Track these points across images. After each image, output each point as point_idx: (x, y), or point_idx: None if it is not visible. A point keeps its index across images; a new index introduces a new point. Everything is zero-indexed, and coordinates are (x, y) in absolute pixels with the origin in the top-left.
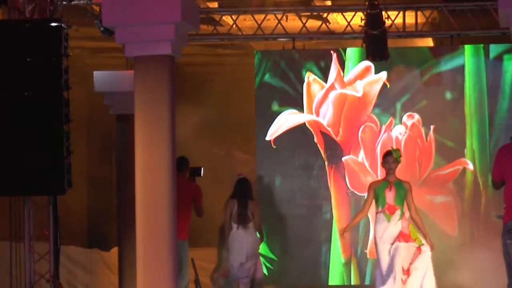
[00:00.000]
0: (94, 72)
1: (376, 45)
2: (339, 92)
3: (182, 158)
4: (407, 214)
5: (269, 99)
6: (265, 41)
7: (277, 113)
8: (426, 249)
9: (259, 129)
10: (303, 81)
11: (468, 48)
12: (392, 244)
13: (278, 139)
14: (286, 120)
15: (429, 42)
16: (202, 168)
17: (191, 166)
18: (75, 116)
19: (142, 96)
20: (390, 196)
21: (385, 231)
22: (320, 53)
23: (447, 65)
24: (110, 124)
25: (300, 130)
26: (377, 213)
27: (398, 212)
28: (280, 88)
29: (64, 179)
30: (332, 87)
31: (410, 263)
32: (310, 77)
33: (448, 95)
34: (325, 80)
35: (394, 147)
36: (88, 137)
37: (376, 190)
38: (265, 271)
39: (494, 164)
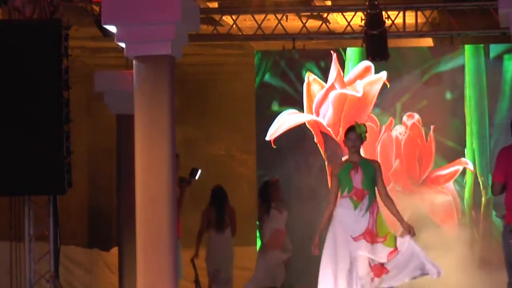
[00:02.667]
0: (95, 72)
1: (376, 45)
2: (339, 92)
3: None
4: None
5: (269, 99)
6: (265, 41)
7: (277, 113)
8: (404, 240)
9: (259, 129)
10: (303, 81)
11: (468, 48)
12: (357, 240)
13: (278, 139)
14: (286, 120)
15: (429, 42)
16: (199, 171)
17: (192, 167)
18: (75, 116)
19: (142, 96)
20: (357, 178)
21: (349, 218)
22: (320, 53)
23: (447, 65)
24: (110, 124)
25: (300, 130)
26: (341, 198)
27: (367, 198)
28: (280, 88)
29: (64, 179)
30: (332, 87)
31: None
32: (310, 77)
33: (448, 95)
34: (325, 80)
35: (359, 123)
36: (88, 137)
37: (340, 174)
38: None
39: (496, 165)
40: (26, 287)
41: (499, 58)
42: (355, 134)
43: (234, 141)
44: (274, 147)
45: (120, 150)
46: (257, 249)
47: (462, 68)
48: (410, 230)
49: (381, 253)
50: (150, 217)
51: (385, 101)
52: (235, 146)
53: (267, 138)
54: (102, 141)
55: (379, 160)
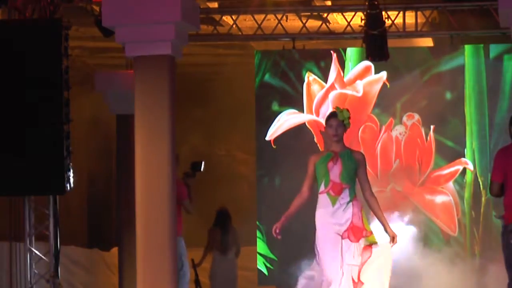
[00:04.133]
0: (95, 72)
1: (376, 45)
2: (339, 92)
3: None
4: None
5: (269, 99)
6: (265, 41)
7: (277, 113)
8: (384, 246)
9: (259, 129)
10: (303, 81)
11: (468, 48)
12: (344, 237)
13: (278, 139)
14: (286, 120)
15: (429, 42)
16: (203, 163)
17: (192, 161)
18: (75, 116)
19: (142, 96)
20: (335, 171)
21: (329, 217)
22: (320, 53)
23: (447, 65)
24: (110, 124)
25: (300, 130)
26: (319, 194)
27: (346, 193)
28: (280, 88)
29: (64, 179)
30: (332, 87)
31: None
32: (310, 77)
33: (448, 95)
34: (325, 80)
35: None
36: (88, 137)
37: (317, 165)
38: (265, 271)
39: (494, 165)
40: (26, 287)
41: (499, 58)
42: (337, 120)
43: (234, 141)
44: (274, 147)
45: (120, 150)
46: (257, 249)
47: (462, 68)
48: (394, 238)
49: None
50: (150, 217)
51: (385, 101)
52: (235, 146)
53: (267, 138)
54: (102, 141)
55: (378, 160)
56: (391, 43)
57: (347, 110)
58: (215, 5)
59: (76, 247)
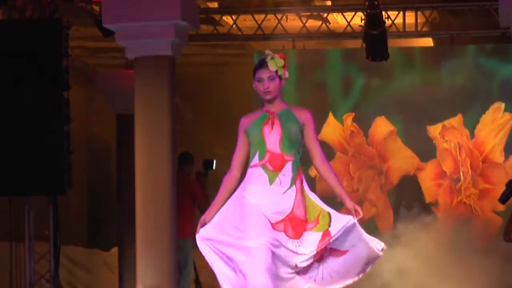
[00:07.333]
0: (95, 72)
1: (376, 45)
2: None
3: (182, 154)
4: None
5: None
6: (265, 41)
7: None
8: (343, 220)
9: None
10: None
11: (468, 48)
12: (277, 229)
13: None
14: None
15: (429, 42)
16: (214, 161)
17: (204, 159)
18: (75, 116)
19: (142, 96)
20: (272, 137)
21: (263, 197)
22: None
23: (447, 65)
24: (110, 124)
25: None
26: (249, 168)
27: (288, 168)
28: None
29: (64, 179)
30: None
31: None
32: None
33: (449, 95)
34: None
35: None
36: (88, 137)
37: (249, 130)
38: None
39: None
40: (26, 287)
41: (498, 58)
42: (268, 71)
43: (234, 141)
44: None
45: (120, 150)
46: None
47: (461, 68)
48: (356, 210)
49: (309, 243)
50: (150, 217)
51: (386, 101)
52: (235, 146)
53: None
54: (102, 141)
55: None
56: (391, 43)
57: (281, 57)
58: (215, 5)
59: (76, 247)
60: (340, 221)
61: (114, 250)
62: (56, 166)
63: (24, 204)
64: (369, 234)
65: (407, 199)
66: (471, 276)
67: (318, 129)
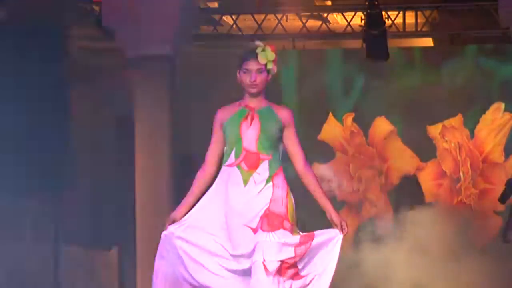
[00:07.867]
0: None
1: (376, 45)
2: None
3: None
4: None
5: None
6: (265, 41)
7: None
8: (334, 236)
9: None
10: None
11: (468, 48)
12: (255, 232)
13: None
14: None
15: (429, 42)
16: None
17: None
18: (75, 116)
19: (142, 96)
20: (250, 135)
21: (238, 199)
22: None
23: (447, 65)
24: (110, 124)
25: None
26: (224, 167)
27: (265, 167)
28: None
29: (64, 179)
30: None
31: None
32: None
33: (449, 95)
34: None
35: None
36: (88, 137)
37: (226, 125)
38: None
39: None
40: (26, 287)
41: (498, 58)
42: (257, 64)
43: None
44: None
45: (120, 150)
46: None
47: (461, 68)
48: (341, 225)
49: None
50: (150, 217)
51: (386, 101)
52: None
53: None
54: (102, 141)
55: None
56: (391, 43)
57: (272, 50)
58: (215, 5)
59: (76, 247)
60: (324, 234)
61: (114, 250)
62: (57, 166)
63: (25, 204)
64: (369, 234)
65: (407, 199)
66: (471, 276)
67: (318, 129)
